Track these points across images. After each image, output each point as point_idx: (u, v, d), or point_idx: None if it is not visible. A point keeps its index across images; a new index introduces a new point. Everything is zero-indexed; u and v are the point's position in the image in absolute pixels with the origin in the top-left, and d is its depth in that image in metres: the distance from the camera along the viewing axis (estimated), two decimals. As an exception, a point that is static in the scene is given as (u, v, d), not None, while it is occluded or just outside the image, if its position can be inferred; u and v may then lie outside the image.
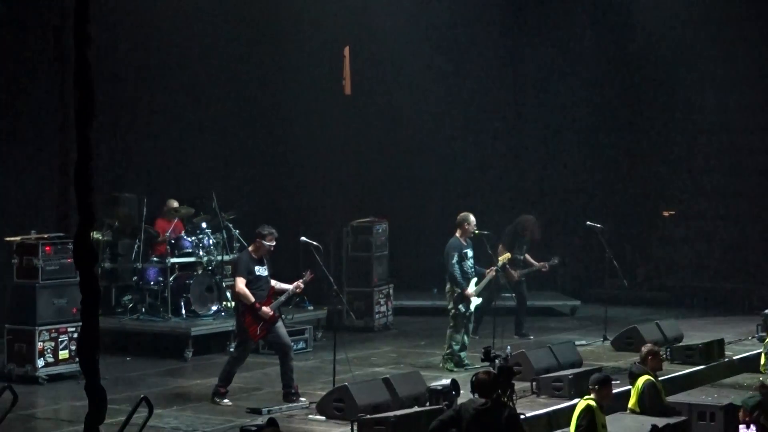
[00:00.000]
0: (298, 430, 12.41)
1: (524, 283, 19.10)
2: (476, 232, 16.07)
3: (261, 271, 13.77)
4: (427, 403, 12.70)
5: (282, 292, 13.92)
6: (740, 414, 11.74)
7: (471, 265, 16.03)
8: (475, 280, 16.00)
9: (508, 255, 18.03)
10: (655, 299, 23.81)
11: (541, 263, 19.08)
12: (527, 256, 19.15)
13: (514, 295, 18.89)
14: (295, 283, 13.90)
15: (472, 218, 16.12)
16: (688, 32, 23.89)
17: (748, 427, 10.07)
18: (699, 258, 24.80)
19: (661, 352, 13.84)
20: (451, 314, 16.00)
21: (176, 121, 19.70)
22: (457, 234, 16.02)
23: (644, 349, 13.12)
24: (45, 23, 17.71)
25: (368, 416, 12.05)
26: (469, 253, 16.04)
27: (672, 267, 24.70)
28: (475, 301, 15.98)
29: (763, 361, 16.37)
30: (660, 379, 13.10)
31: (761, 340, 17.63)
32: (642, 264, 24.84)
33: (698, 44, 23.72)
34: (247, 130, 21.19)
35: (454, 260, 15.81)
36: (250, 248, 14.11)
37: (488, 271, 16.41)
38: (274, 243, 13.85)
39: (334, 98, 22.00)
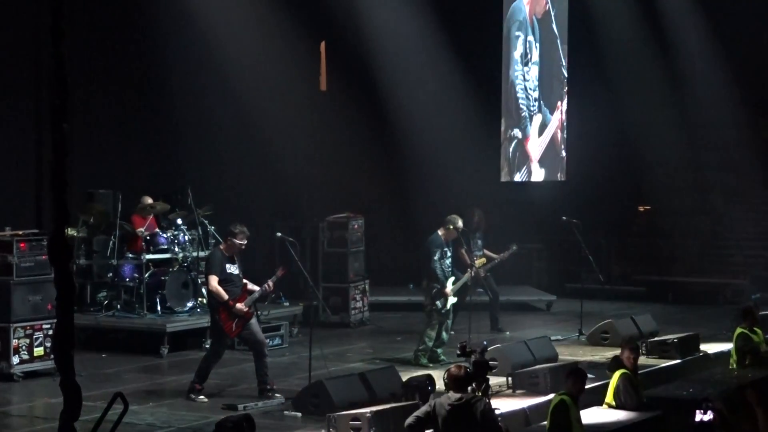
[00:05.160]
0: (273, 425, 12.40)
1: (491, 278, 18.93)
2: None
3: (233, 269, 13.70)
4: (403, 399, 12.71)
5: (254, 290, 13.87)
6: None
7: (449, 264, 16.00)
8: (452, 279, 15.97)
9: (483, 260, 17.90)
10: (631, 294, 23.88)
11: (500, 254, 18.55)
12: (485, 251, 18.78)
13: (485, 290, 18.75)
14: (266, 283, 13.83)
15: (460, 223, 16.05)
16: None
17: (705, 413, 9.98)
18: (674, 252, 24.91)
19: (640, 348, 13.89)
20: (426, 310, 16.00)
21: (151, 118, 19.63)
22: (440, 232, 15.93)
23: (624, 345, 13.18)
24: (20, 20, 17.64)
25: (344, 412, 12.06)
26: (449, 252, 16.02)
27: (647, 261, 24.77)
28: (451, 300, 15.97)
29: (733, 355, 16.40)
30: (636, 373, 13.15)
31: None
32: (617, 259, 24.91)
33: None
34: (222, 126, 21.13)
35: (436, 257, 15.77)
36: (221, 246, 14.06)
37: (468, 271, 16.43)
38: (245, 241, 13.77)
39: (310, 94, 21.99)
